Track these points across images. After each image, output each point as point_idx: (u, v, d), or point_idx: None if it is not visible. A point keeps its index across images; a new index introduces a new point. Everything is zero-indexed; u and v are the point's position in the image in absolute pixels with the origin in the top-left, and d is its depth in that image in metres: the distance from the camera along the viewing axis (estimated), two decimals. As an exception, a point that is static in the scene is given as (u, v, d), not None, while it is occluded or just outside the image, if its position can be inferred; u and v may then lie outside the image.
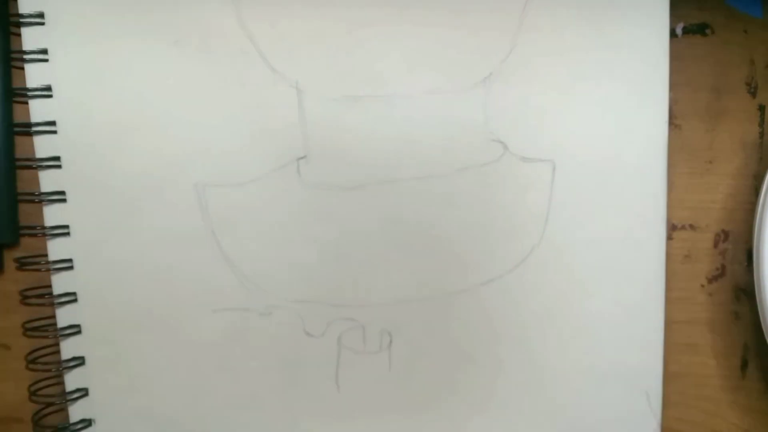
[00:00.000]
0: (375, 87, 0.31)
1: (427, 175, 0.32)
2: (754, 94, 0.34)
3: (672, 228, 0.34)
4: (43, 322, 0.31)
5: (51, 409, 0.32)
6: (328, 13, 0.30)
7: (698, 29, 0.34)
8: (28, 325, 0.31)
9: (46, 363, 0.31)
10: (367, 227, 0.32)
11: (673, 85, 0.33)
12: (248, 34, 0.30)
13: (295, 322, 0.32)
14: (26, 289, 0.31)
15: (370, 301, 0.32)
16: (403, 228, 0.32)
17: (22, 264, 0.31)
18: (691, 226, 0.34)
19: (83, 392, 0.32)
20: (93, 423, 0.32)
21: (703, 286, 0.35)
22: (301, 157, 0.31)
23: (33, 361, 0.31)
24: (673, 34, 0.33)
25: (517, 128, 0.32)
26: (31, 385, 0.31)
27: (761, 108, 0.34)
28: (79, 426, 0.32)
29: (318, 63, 0.30)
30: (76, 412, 0.32)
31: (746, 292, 0.35)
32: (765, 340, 0.32)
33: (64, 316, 0.31)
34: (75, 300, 0.31)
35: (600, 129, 0.32)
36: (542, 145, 0.32)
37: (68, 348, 0.31)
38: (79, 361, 0.31)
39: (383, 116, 0.31)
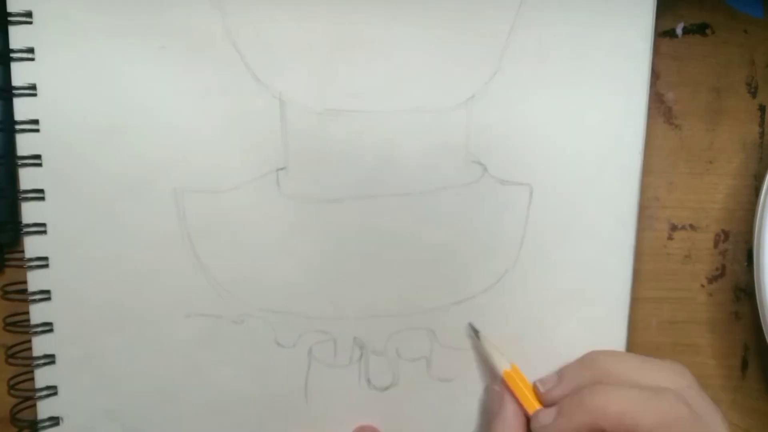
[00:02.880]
0: (358, 102, 0.31)
1: (405, 193, 0.32)
2: (754, 94, 0.34)
3: (672, 228, 0.34)
4: (20, 318, 0.31)
5: (28, 404, 0.32)
6: (314, 28, 0.30)
7: (698, 29, 0.34)
8: (8, 320, 0.31)
9: (25, 358, 0.31)
10: (343, 241, 0.32)
11: (673, 85, 0.33)
12: (234, 43, 0.30)
13: (267, 331, 0.32)
14: (6, 285, 0.31)
15: (342, 315, 0.32)
16: (379, 243, 0.32)
17: (-1, 261, 0.31)
18: (692, 226, 0.35)
19: (53, 390, 0.32)
20: (61, 421, 0.32)
21: (703, 286, 0.35)
22: (281, 168, 0.31)
23: (12, 356, 0.31)
24: (673, 33, 0.33)
25: (497, 151, 0.32)
26: (10, 379, 0.31)
27: (761, 108, 0.34)
28: (47, 423, 0.32)
29: (302, 75, 0.31)
30: (45, 409, 0.32)
31: (746, 292, 0.35)
32: (765, 340, 0.32)
33: (38, 314, 0.31)
34: (49, 298, 0.31)
35: (577, 156, 0.32)
36: (521, 169, 0.32)
37: (40, 345, 0.31)
38: (50, 359, 0.31)
39: (365, 132, 0.31)
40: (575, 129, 0.32)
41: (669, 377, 0.28)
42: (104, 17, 0.30)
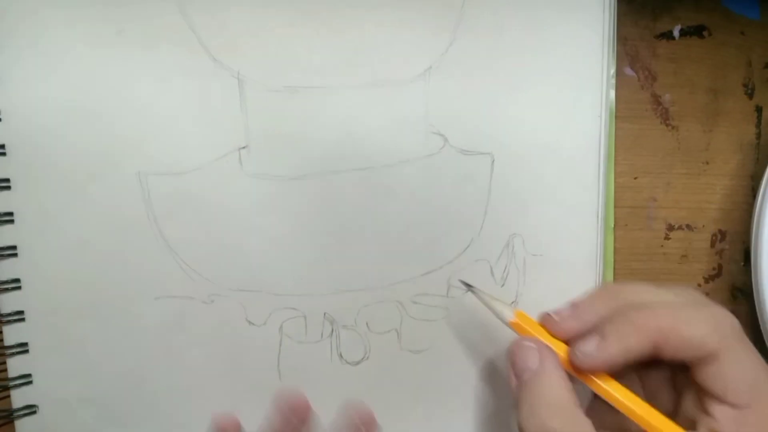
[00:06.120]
0: (316, 78, 0.31)
1: (368, 167, 0.32)
2: (751, 96, 0.35)
3: (669, 228, 0.35)
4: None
5: (3, 393, 0.32)
6: (269, 5, 0.31)
7: (695, 31, 0.34)
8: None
9: (-3, 348, 0.32)
10: (308, 217, 0.32)
11: (671, 87, 0.34)
12: (190, 24, 0.30)
13: (237, 310, 0.32)
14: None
15: (311, 291, 0.32)
16: (344, 218, 0.32)
17: (-33, 251, 0.31)
18: (688, 227, 0.35)
19: (28, 378, 0.32)
20: (37, 409, 0.32)
21: (700, 285, 0.35)
22: (243, 147, 0.31)
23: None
24: (670, 35, 0.34)
25: (457, 121, 0.32)
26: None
27: (758, 109, 0.35)
28: (23, 412, 0.32)
29: (259, 54, 0.31)
30: (21, 398, 0.32)
31: (743, 291, 0.35)
32: (763, 340, 0.33)
33: (8, 303, 0.31)
34: (19, 287, 0.31)
35: (537, 123, 0.32)
36: (481, 138, 0.32)
37: (12, 334, 0.32)
38: (23, 347, 0.32)
39: (324, 107, 0.31)
40: (534, 96, 0.32)
41: (688, 295, 0.26)
42: (61, 3, 0.30)
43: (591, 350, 0.25)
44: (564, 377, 0.25)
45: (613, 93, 0.33)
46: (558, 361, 0.26)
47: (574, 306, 0.27)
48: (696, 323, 0.25)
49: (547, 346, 0.26)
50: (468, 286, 0.30)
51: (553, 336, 0.27)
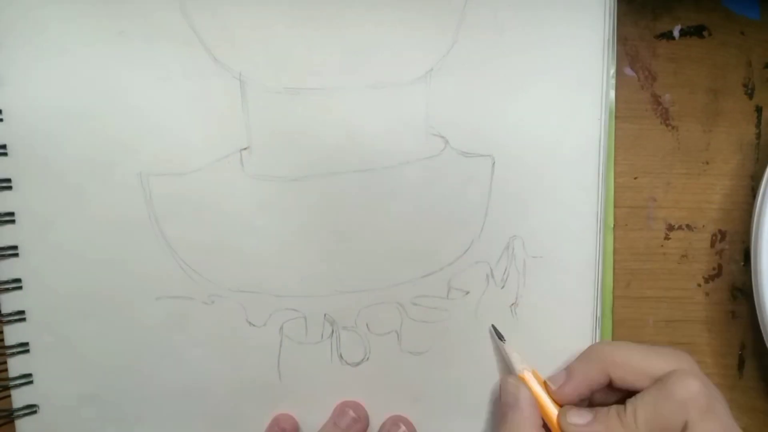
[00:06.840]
0: (317, 80, 0.31)
1: (369, 168, 0.32)
2: (751, 96, 0.35)
3: (669, 228, 0.35)
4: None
5: (3, 393, 0.32)
6: (270, 6, 0.31)
7: (695, 31, 0.34)
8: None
9: (-1, 348, 0.32)
10: (309, 219, 0.32)
11: (671, 87, 0.34)
12: (191, 25, 0.30)
13: (238, 311, 0.32)
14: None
15: (312, 292, 0.32)
16: (345, 220, 0.32)
17: (-33, 251, 0.31)
18: (688, 227, 0.35)
19: (28, 378, 0.32)
20: (38, 409, 0.32)
21: (699, 285, 0.35)
22: (244, 148, 0.31)
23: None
24: (670, 35, 0.34)
25: (458, 123, 0.32)
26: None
27: (758, 109, 0.35)
28: (24, 412, 0.32)
29: (260, 55, 0.31)
30: (21, 397, 0.32)
31: (743, 291, 0.35)
32: (762, 339, 0.33)
33: (9, 302, 0.31)
34: (20, 287, 0.31)
35: (537, 124, 0.32)
36: (482, 141, 0.32)
37: (13, 334, 0.32)
38: (24, 347, 0.32)
39: (325, 109, 0.31)
40: (534, 97, 0.32)
41: (673, 363, 0.29)
42: (63, 4, 0.30)
43: (580, 422, 0.29)
44: (532, 414, 0.30)
45: (613, 93, 0.33)
46: (530, 398, 0.30)
47: (568, 371, 0.30)
48: (670, 410, 0.27)
49: (524, 385, 0.31)
50: (500, 336, 0.33)
51: (555, 398, 0.31)
